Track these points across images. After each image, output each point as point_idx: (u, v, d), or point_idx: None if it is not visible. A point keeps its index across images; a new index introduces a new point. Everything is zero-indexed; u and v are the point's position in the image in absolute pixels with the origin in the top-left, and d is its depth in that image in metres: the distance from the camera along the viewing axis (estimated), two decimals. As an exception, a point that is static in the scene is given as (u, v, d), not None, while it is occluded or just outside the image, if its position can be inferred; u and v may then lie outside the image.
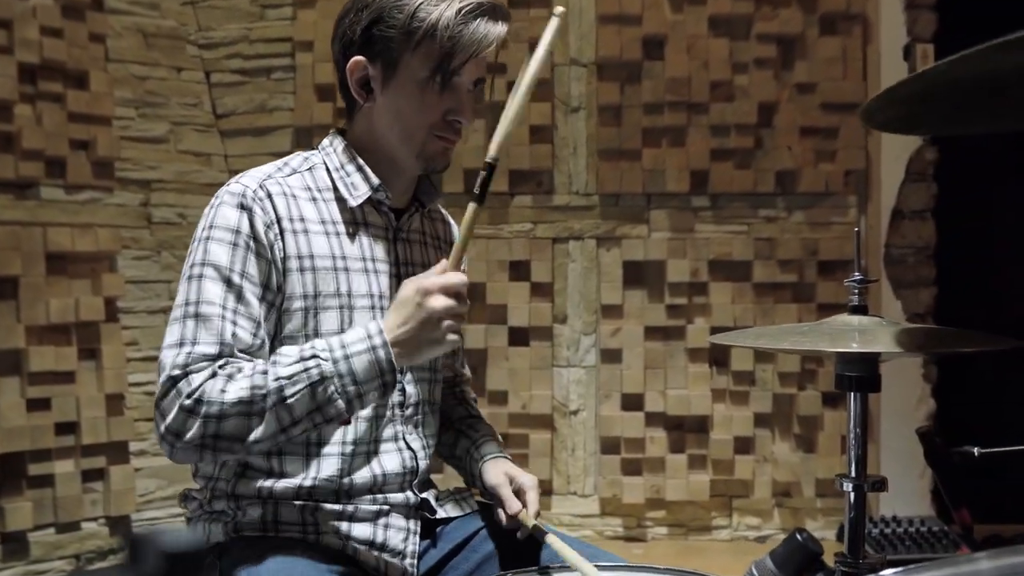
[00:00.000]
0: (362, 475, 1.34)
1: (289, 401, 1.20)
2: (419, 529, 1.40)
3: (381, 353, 1.22)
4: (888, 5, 2.87)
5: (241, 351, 1.25)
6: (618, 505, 2.92)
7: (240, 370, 1.22)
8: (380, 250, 1.40)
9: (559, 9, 1.32)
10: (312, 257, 1.32)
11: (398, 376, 1.25)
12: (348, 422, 1.33)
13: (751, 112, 2.89)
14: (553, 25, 1.32)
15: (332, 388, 1.21)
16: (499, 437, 1.59)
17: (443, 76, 1.32)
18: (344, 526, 1.33)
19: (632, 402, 2.92)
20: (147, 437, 2.73)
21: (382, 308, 1.37)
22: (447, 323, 1.24)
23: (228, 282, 1.26)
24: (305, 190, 1.35)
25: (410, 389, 1.41)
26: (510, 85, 3.06)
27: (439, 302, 1.23)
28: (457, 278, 1.26)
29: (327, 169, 1.39)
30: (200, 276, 1.26)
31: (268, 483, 1.31)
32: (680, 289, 2.91)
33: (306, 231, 1.32)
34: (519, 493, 1.40)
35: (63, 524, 2.55)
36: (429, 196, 1.48)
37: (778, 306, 2.90)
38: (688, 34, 2.90)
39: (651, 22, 2.90)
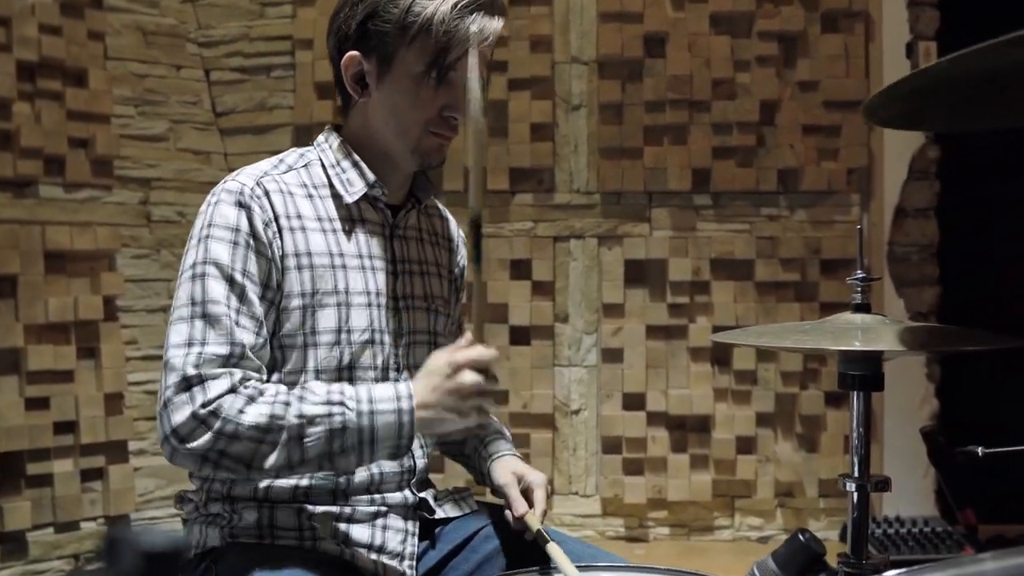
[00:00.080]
0: (359, 474, 1.33)
1: (305, 441, 1.19)
2: (417, 530, 1.39)
3: (405, 418, 1.22)
4: (891, 2, 2.86)
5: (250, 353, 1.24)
6: (620, 505, 2.91)
7: (261, 393, 1.20)
8: (377, 247, 1.39)
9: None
10: (310, 255, 1.31)
11: (412, 443, 1.24)
12: (350, 472, 1.32)
13: (753, 110, 2.88)
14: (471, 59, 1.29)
15: (350, 442, 1.20)
16: (508, 433, 1.58)
17: (439, 71, 1.30)
18: (342, 528, 1.31)
19: (634, 401, 2.90)
20: (146, 436, 2.72)
21: (379, 305, 1.36)
22: (474, 400, 1.23)
23: (231, 281, 1.24)
24: (301, 187, 1.35)
25: (407, 388, 1.40)
26: (510, 83, 3.07)
27: (469, 378, 1.22)
28: (486, 353, 1.25)
29: (323, 166, 1.38)
30: (203, 275, 1.24)
31: (264, 484, 1.30)
32: (682, 288, 2.90)
33: (303, 228, 1.31)
34: (527, 492, 1.39)
35: (62, 524, 2.53)
36: (425, 192, 1.47)
37: (780, 305, 2.88)
38: (689, 32, 2.88)
39: (652, 20, 2.89)
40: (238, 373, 1.21)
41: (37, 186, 2.54)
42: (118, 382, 2.64)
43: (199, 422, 1.18)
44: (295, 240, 1.30)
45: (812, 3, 2.88)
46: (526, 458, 2.86)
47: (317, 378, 1.30)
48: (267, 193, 1.29)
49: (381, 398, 1.22)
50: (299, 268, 1.30)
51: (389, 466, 1.36)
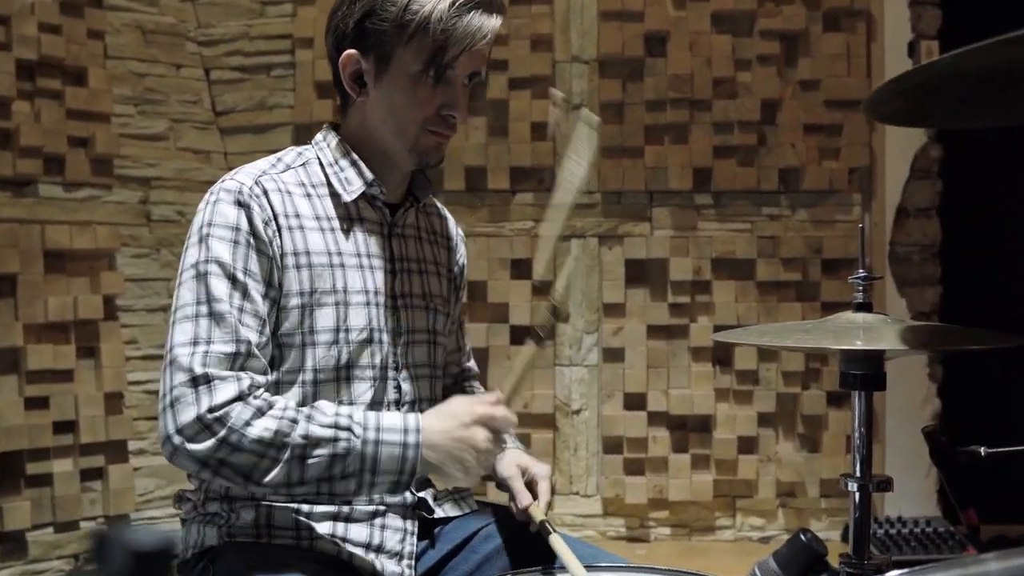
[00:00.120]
0: None
1: (308, 462, 1.19)
2: (416, 529, 1.38)
3: (410, 452, 1.21)
4: (892, 1, 2.85)
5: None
6: (621, 505, 2.90)
7: (271, 406, 1.20)
8: (375, 246, 1.38)
9: (589, 114, 1.29)
10: (308, 254, 1.30)
11: (413, 479, 1.24)
12: (348, 503, 1.31)
13: (754, 109, 2.87)
14: (582, 132, 1.31)
15: (352, 468, 1.20)
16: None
17: (436, 70, 1.30)
18: (340, 528, 1.31)
19: (635, 401, 2.90)
20: (146, 436, 2.71)
21: (377, 304, 1.36)
22: (480, 457, 1.23)
23: (233, 279, 1.24)
24: (299, 186, 1.34)
25: (406, 387, 1.39)
26: (511, 82, 3.06)
27: (481, 435, 1.23)
28: (509, 418, 1.26)
29: (321, 164, 1.38)
30: (206, 274, 1.23)
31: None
32: (683, 288, 2.89)
33: (302, 227, 1.31)
34: (531, 484, 1.38)
35: (61, 523, 2.53)
36: (424, 191, 1.46)
37: (782, 305, 2.87)
38: (690, 31, 2.88)
39: (653, 18, 2.88)
40: (246, 379, 1.20)
41: (37, 185, 2.54)
42: (118, 382, 2.63)
43: (204, 426, 1.17)
44: (294, 239, 1.29)
45: (814, 2, 2.87)
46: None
47: (315, 377, 1.30)
48: (266, 192, 1.29)
49: (389, 427, 1.22)
50: (298, 267, 1.29)
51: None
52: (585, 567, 1.22)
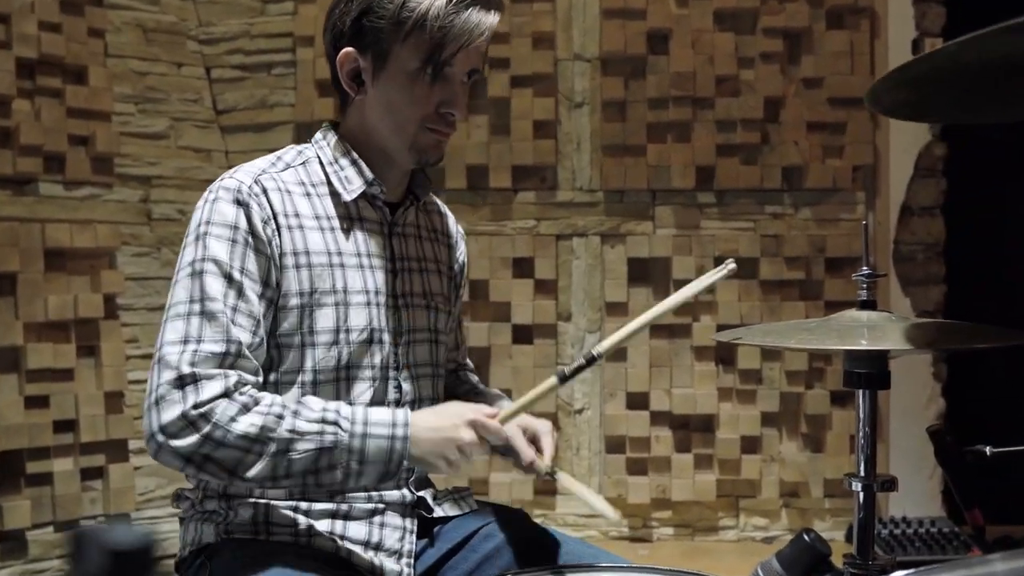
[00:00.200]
0: None
1: (292, 456, 1.19)
2: (416, 528, 1.37)
3: (398, 445, 1.22)
4: (897, -1, 2.84)
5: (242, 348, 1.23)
6: (623, 505, 2.89)
7: (256, 402, 1.20)
8: (375, 245, 1.37)
9: (731, 263, 1.27)
10: (308, 253, 1.29)
11: (401, 470, 1.24)
12: (342, 492, 1.31)
13: (757, 107, 2.86)
14: (720, 272, 1.27)
15: (337, 460, 1.20)
16: (509, 397, 1.57)
17: (434, 67, 1.29)
18: (339, 525, 1.30)
19: (637, 401, 2.88)
20: (147, 436, 2.70)
21: (378, 304, 1.35)
22: (462, 457, 1.24)
23: (229, 278, 1.23)
24: (299, 185, 1.33)
25: (407, 386, 1.38)
26: (513, 80, 3.06)
27: (469, 436, 1.24)
28: (499, 430, 1.26)
29: (321, 163, 1.37)
30: (202, 272, 1.23)
31: (261, 481, 1.29)
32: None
33: (301, 227, 1.30)
34: (533, 441, 1.37)
35: (61, 523, 2.52)
36: (424, 189, 1.45)
37: (785, 304, 2.86)
38: (693, 28, 2.87)
39: (655, 16, 2.87)
40: (233, 376, 1.20)
41: (37, 184, 2.53)
42: (118, 381, 2.63)
43: (188, 423, 1.16)
44: (293, 239, 1.29)
45: (817, -1, 2.86)
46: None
47: (315, 378, 1.29)
48: (265, 191, 1.28)
49: (377, 421, 1.22)
50: (297, 267, 1.28)
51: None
52: (586, 567, 1.21)
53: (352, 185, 1.35)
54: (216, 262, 1.23)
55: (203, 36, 2.89)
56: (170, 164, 2.81)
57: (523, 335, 2.89)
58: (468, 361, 1.68)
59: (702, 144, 2.87)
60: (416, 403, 1.40)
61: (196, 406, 1.16)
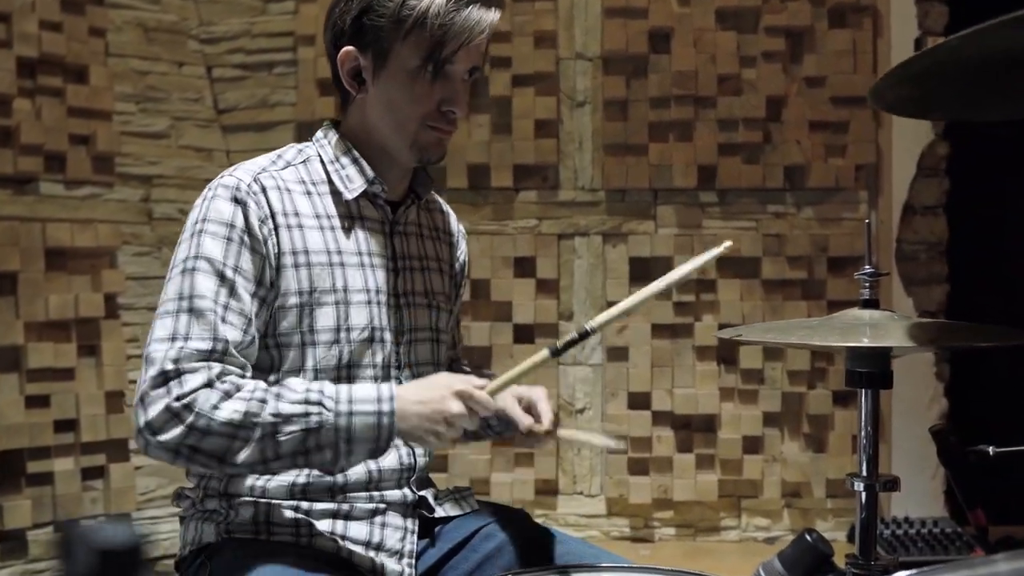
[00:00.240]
0: (357, 471, 1.31)
1: (280, 438, 1.18)
2: (417, 528, 1.37)
3: (385, 420, 1.20)
4: (899, -3, 2.83)
5: (231, 348, 1.22)
6: (625, 505, 2.89)
7: (238, 388, 1.19)
8: (376, 244, 1.37)
9: (728, 242, 1.28)
10: (307, 253, 1.29)
11: (391, 446, 1.22)
12: (331, 472, 1.30)
13: (759, 106, 2.85)
14: (715, 251, 1.28)
15: (325, 440, 1.19)
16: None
17: (435, 65, 1.29)
18: (339, 525, 1.30)
19: (639, 401, 2.88)
20: (148, 435, 2.70)
21: (378, 303, 1.35)
22: (451, 430, 1.22)
23: (221, 276, 1.23)
24: (299, 183, 1.33)
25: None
26: (514, 79, 3.05)
27: (457, 407, 1.21)
28: (487, 401, 1.23)
29: (322, 162, 1.37)
30: (193, 270, 1.23)
31: (261, 481, 1.29)
32: (687, 286, 2.87)
33: (300, 226, 1.30)
34: (529, 409, 1.36)
35: (62, 523, 2.52)
36: (425, 187, 1.45)
37: (787, 303, 2.85)
38: (695, 27, 2.86)
39: (657, 15, 2.86)
40: (217, 367, 1.20)
41: (38, 183, 2.53)
42: (119, 380, 2.62)
43: (172, 415, 1.17)
44: (292, 238, 1.28)
45: (819, -2, 2.86)
46: (531, 457, 2.88)
47: (316, 377, 1.29)
48: (264, 190, 1.28)
49: (362, 398, 1.21)
50: (296, 266, 1.28)
51: (388, 463, 1.34)
52: (587, 567, 1.21)
53: (353, 184, 1.34)
54: (209, 260, 1.23)
55: (204, 35, 2.89)
56: (171, 163, 2.81)
57: (524, 335, 2.89)
58: (463, 360, 1.67)
59: (704, 143, 2.87)
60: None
61: (179, 398, 1.17)
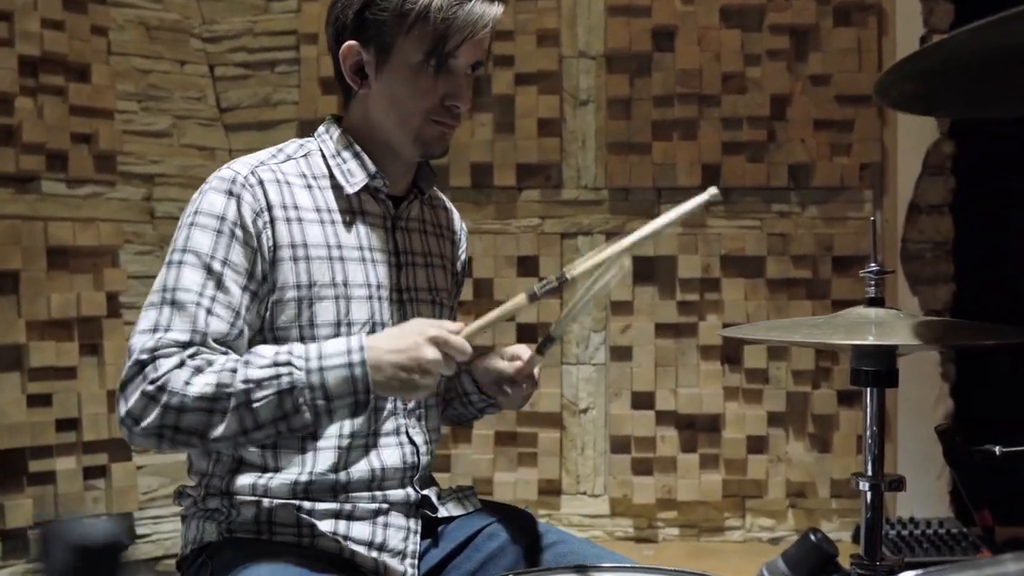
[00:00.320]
0: (359, 469, 1.31)
1: (254, 406, 1.17)
2: (419, 528, 1.36)
3: (358, 371, 1.18)
4: (904, -5, 2.82)
5: (216, 340, 1.22)
6: (628, 505, 2.88)
7: (210, 363, 1.19)
8: (377, 239, 1.36)
9: (713, 189, 1.26)
10: (306, 246, 1.29)
11: (371, 397, 1.20)
12: (316, 435, 1.29)
13: (764, 104, 2.84)
14: (701, 198, 1.27)
15: (301, 399, 1.17)
16: None
17: (438, 59, 1.28)
18: (342, 525, 1.29)
19: (643, 400, 2.87)
20: (150, 435, 2.70)
21: (379, 298, 1.34)
22: (428, 378, 1.19)
23: (208, 269, 1.23)
24: (300, 177, 1.33)
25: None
26: (517, 78, 3.04)
27: (433, 354, 1.18)
28: (464, 346, 1.21)
29: (323, 156, 1.36)
30: (180, 262, 1.23)
31: (263, 480, 1.28)
32: (691, 285, 2.86)
33: (300, 219, 1.29)
34: (513, 359, 1.39)
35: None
36: (428, 183, 1.44)
37: (792, 303, 2.84)
38: (699, 25, 2.85)
39: (661, 13, 2.85)
40: (191, 349, 1.20)
41: (39, 182, 2.52)
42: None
43: (149, 399, 1.17)
44: (291, 231, 1.28)
45: (824, -4, 2.84)
46: (534, 457, 2.87)
47: None
48: (261, 182, 1.27)
49: (331, 353, 1.19)
50: (294, 259, 1.27)
51: (391, 462, 1.33)
52: (590, 567, 1.20)
53: (354, 178, 1.34)
54: (196, 253, 1.23)
55: (206, 34, 2.89)
56: (173, 162, 2.80)
57: (527, 334, 2.87)
58: None
59: (708, 142, 2.85)
60: (422, 398, 1.39)
61: (152, 381, 1.17)
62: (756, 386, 2.85)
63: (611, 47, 2.87)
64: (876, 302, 1.18)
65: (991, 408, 2.76)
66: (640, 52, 2.86)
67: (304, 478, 1.28)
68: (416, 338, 1.19)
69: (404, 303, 1.38)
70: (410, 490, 1.35)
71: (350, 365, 1.18)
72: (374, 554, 1.30)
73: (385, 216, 1.38)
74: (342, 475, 1.30)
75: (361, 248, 1.34)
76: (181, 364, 1.18)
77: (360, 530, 1.30)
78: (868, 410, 1.14)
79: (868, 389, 1.13)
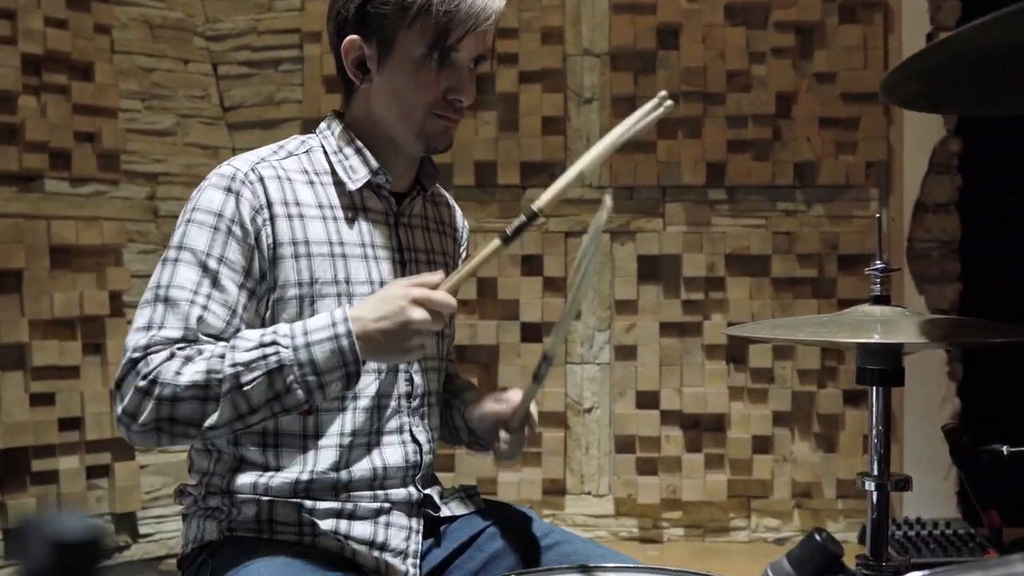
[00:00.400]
0: (361, 468, 1.30)
1: (246, 389, 1.16)
2: (422, 527, 1.35)
3: (344, 343, 1.17)
4: (910, -8, 2.80)
5: (211, 337, 1.22)
6: (633, 505, 2.86)
7: (200, 352, 1.18)
8: (380, 236, 1.35)
9: (667, 98, 1.24)
10: (307, 243, 1.28)
11: (362, 367, 1.19)
12: (310, 412, 1.28)
13: (769, 102, 2.82)
14: (655, 109, 1.26)
15: (291, 377, 1.17)
16: (476, 387, 1.57)
17: (440, 53, 1.27)
18: (343, 525, 1.28)
19: (647, 400, 2.86)
20: (153, 434, 2.70)
21: (383, 296, 1.33)
22: (418, 338, 1.19)
23: (204, 267, 1.22)
24: (302, 173, 1.32)
25: (417, 379, 1.37)
26: (521, 76, 3.03)
27: (420, 314, 1.18)
28: (447, 300, 1.20)
29: (325, 152, 1.36)
30: (176, 260, 1.23)
31: (264, 479, 1.27)
32: (696, 284, 2.85)
33: (301, 216, 1.28)
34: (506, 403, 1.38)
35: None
36: (431, 179, 1.43)
37: (797, 301, 2.83)
38: (704, 23, 2.84)
39: (665, 11, 2.84)
40: (181, 343, 1.19)
41: (43, 180, 2.52)
42: (124, 379, 2.62)
43: (143, 394, 1.17)
44: (292, 228, 1.27)
45: (830, -7, 2.83)
46: (538, 457, 2.86)
47: None
48: (262, 179, 1.26)
49: (316, 327, 1.18)
50: (296, 256, 1.26)
51: (393, 461, 1.32)
52: (593, 567, 1.19)
53: (356, 174, 1.33)
54: (192, 250, 1.23)
55: (210, 32, 2.88)
56: (177, 161, 2.80)
57: (532, 333, 2.87)
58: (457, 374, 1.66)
59: (713, 140, 2.84)
60: (426, 396, 1.39)
61: (144, 376, 1.16)
62: (761, 386, 2.83)
63: (615, 45, 2.86)
64: (882, 300, 1.17)
65: (998, 407, 2.74)
66: (644, 50, 2.85)
67: (305, 477, 1.27)
68: (399, 302, 1.18)
69: (407, 301, 1.37)
70: (412, 489, 1.34)
71: (336, 337, 1.17)
72: (375, 554, 1.29)
73: (388, 213, 1.37)
74: (343, 474, 1.29)
75: (363, 245, 1.33)
76: (171, 356, 1.18)
77: (361, 529, 1.29)
78: (874, 409, 1.13)
79: (874, 388, 1.12)
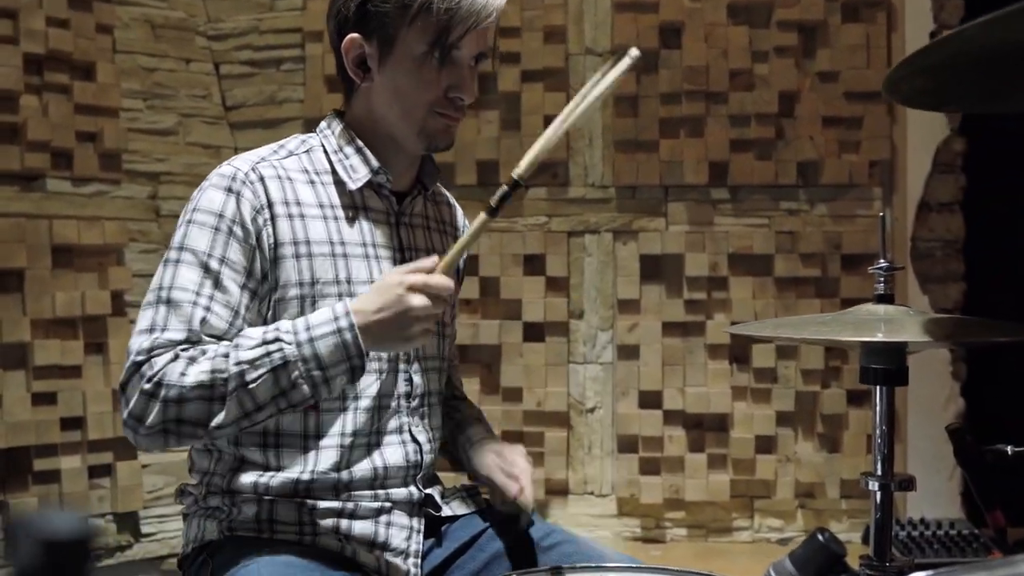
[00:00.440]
0: (362, 468, 1.30)
1: (251, 387, 1.16)
2: (423, 527, 1.35)
3: (348, 336, 1.18)
4: (914, -9, 2.80)
5: (214, 338, 1.22)
6: (636, 505, 2.86)
7: (204, 352, 1.18)
8: (381, 235, 1.35)
9: (634, 51, 1.24)
10: (308, 243, 1.27)
11: (366, 360, 1.20)
12: (316, 407, 1.28)
13: (772, 101, 2.82)
14: (622, 65, 1.24)
15: (296, 373, 1.17)
16: (483, 416, 1.55)
17: (441, 51, 1.27)
18: (344, 524, 1.28)
19: (650, 400, 2.85)
20: (155, 434, 2.70)
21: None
22: (421, 324, 1.19)
23: (205, 267, 1.22)
24: (302, 172, 1.32)
25: (417, 379, 1.37)
26: (523, 75, 3.02)
27: (419, 301, 1.18)
28: (444, 282, 1.21)
29: (325, 152, 1.35)
30: (177, 261, 1.23)
31: (264, 479, 1.27)
32: (699, 284, 2.84)
33: (302, 216, 1.28)
34: (514, 477, 1.35)
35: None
36: (432, 178, 1.43)
37: (800, 301, 2.82)
38: (706, 22, 2.83)
39: (668, 9, 2.83)
40: (184, 345, 1.20)
41: (44, 180, 2.52)
42: (126, 378, 2.62)
43: (148, 397, 1.17)
44: (293, 227, 1.26)
45: (832, -8, 2.82)
46: (540, 456, 2.85)
47: None
48: (262, 179, 1.26)
49: (318, 323, 1.19)
50: (297, 256, 1.26)
51: (393, 461, 1.32)
52: (595, 567, 1.19)
53: (357, 174, 1.33)
54: (193, 251, 1.23)
55: (212, 32, 2.88)
56: (178, 160, 2.80)
57: (534, 333, 2.86)
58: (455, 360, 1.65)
59: (715, 139, 2.83)
60: (426, 395, 1.38)
61: (149, 379, 1.17)
62: (765, 385, 2.83)
63: (618, 44, 2.85)
64: (885, 299, 1.16)
65: (1002, 407, 2.73)
66: (647, 49, 2.84)
67: (306, 477, 1.27)
68: (397, 291, 1.18)
69: (407, 300, 1.36)
70: (413, 489, 1.34)
71: (339, 331, 1.18)
72: (376, 553, 1.29)
73: (389, 212, 1.37)
74: (344, 474, 1.28)
75: (365, 244, 1.33)
76: (175, 358, 1.18)
77: (362, 529, 1.29)
78: (878, 409, 1.13)
79: (878, 387, 1.12)
